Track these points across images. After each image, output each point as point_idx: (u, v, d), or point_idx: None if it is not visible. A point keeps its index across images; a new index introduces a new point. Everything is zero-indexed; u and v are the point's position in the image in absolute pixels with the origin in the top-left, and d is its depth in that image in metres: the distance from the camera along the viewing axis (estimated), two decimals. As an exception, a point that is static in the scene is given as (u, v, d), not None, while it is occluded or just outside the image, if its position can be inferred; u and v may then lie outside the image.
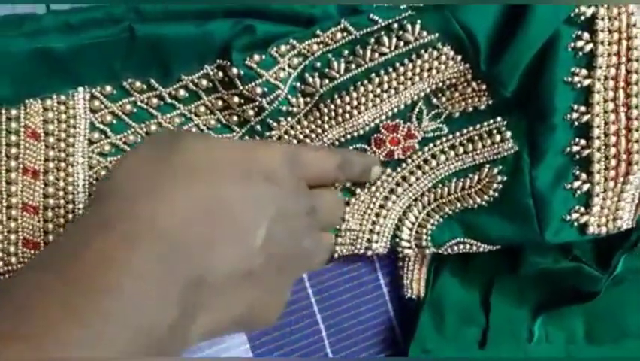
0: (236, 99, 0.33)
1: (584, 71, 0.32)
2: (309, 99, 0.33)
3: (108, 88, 0.32)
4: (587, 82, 0.32)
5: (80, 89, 0.32)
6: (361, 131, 0.34)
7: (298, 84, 0.33)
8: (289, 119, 0.33)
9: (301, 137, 0.34)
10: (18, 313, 0.21)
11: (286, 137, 0.34)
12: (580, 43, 0.32)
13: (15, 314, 0.21)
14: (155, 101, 0.33)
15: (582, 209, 0.34)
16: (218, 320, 0.26)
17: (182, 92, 0.33)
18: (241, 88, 0.32)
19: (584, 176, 0.34)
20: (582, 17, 0.32)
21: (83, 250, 0.23)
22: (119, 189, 0.25)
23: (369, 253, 0.37)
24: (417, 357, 0.36)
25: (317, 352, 0.38)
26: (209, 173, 0.26)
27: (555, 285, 0.38)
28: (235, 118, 0.34)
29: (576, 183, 0.34)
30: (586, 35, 0.32)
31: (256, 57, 0.31)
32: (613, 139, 0.33)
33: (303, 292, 0.38)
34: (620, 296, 0.38)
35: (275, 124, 0.34)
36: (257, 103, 0.32)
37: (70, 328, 0.21)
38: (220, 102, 0.33)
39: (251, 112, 0.33)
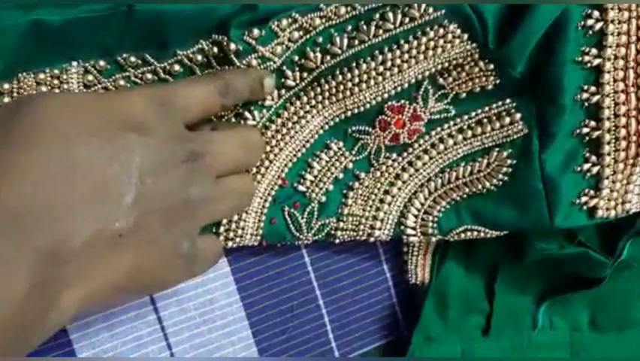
0: None
1: (594, 50, 0.34)
2: (306, 74, 0.35)
3: (102, 62, 0.33)
4: (596, 61, 0.34)
5: (74, 63, 0.33)
6: (362, 109, 0.35)
7: (297, 58, 0.34)
8: (283, 91, 0.35)
9: (301, 112, 0.36)
10: None
11: (285, 112, 0.36)
12: (590, 22, 0.33)
13: None
14: (149, 76, 0.34)
15: (591, 192, 0.36)
16: (97, 287, 0.26)
17: (176, 67, 0.34)
18: (238, 64, 0.33)
19: (593, 158, 0.35)
20: (592, -5, 0.33)
21: None
22: None
23: (372, 239, 0.38)
24: (418, 357, 0.37)
25: (319, 337, 0.40)
26: (55, 134, 0.25)
27: (559, 272, 0.40)
28: None
29: (586, 166, 0.36)
30: (596, 13, 0.33)
31: (255, 32, 0.33)
32: (623, 120, 0.34)
33: (305, 277, 0.40)
34: (626, 284, 0.40)
35: (269, 96, 0.35)
36: None
37: None
38: None
39: None
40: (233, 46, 0.33)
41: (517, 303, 0.40)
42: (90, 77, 0.33)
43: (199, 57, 0.34)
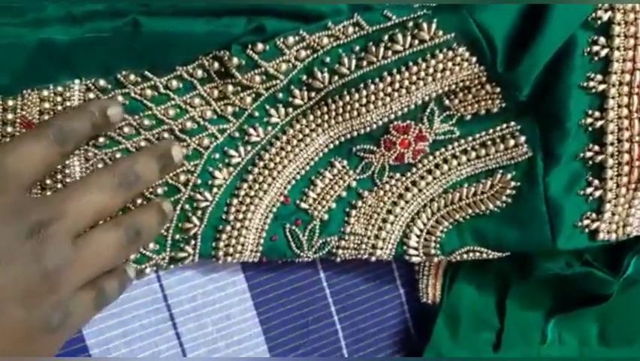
0: (230, 88, 0.35)
1: (599, 76, 0.35)
2: (314, 94, 0.35)
3: (102, 82, 0.34)
4: (601, 87, 0.35)
5: (77, 80, 0.33)
6: (368, 129, 0.36)
7: (304, 77, 0.35)
8: (290, 110, 0.36)
9: (306, 130, 0.37)
10: None
11: (290, 130, 0.36)
12: (596, 48, 0.35)
13: None
14: (149, 92, 0.34)
15: (593, 215, 0.38)
16: None
17: (175, 83, 0.34)
18: (240, 78, 0.34)
19: (596, 182, 0.37)
20: (599, 22, 0.35)
21: None
22: None
23: (373, 259, 0.39)
24: (429, 358, 0.39)
25: (333, 352, 0.42)
26: None
27: (568, 288, 0.42)
28: (230, 109, 0.35)
29: (589, 190, 0.37)
30: (602, 40, 0.35)
31: (259, 46, 0.34)
32: (626, 145, 0.36)
33: (320, 294, 0.42)
34: (634, 298, 0.41)
35: (273, 111, 0.36)
36: (254, 89, 0.35)
37: None
38: (216, 92, 0.35)
39: (248, 99, 0.35)
40: (235, 60, 0.33)
41: (527, 319, 0.42)
42: (91, 95, 0.34)
43: (199, 72, 0.34)
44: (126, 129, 0.35)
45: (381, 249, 0.39)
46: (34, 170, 0.30)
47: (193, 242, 0.36)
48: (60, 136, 0.30)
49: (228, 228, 0.37)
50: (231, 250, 0.37)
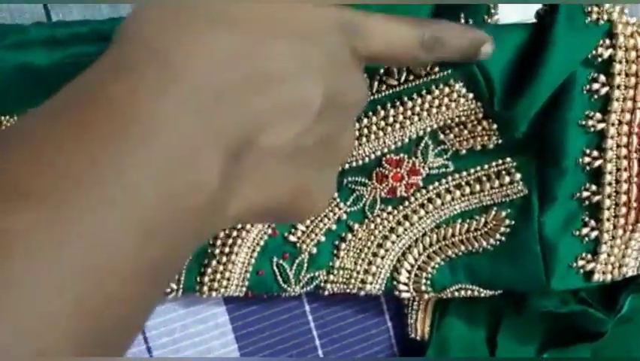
0: None
1: (599, 115, 0.35)
2: None
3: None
4: (600, 126, 0.35)
5: (59, 107, 0.32)
6: (361, 162, 0.35)
7: None
8: None
9: None
10: (22, 166, 0.19)
11: None
12: (595, 86, 0.34)
13: (19, 168, 0.19)
14: None
15: (589, 256, 0.37)
16: (256, 199, 0.24)
17: None
18: None
19: (592, 223, 0.36)
20: (599, 59, 0.34)
21: (99, 96, 0.20)
22: (139, 32, 0.22)
23: (362, 293, 0.38)
24: (428, 358, 0.39)
25: None
26: (248, 24, 0.23)
27: (561, 323, 0.41)
28: None
29: (585, 230, 0.36)
30: (602, 78, 0.34)
31: None
32: (624, 186, 0.35)
33: (305, 327, 0.40)
34: (628, 335, 0.41)
35: None
36: None
37: (90, 183, 0.19)
38: None
39: None
40: None
41: (519, 354, 0.41)
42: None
43: None
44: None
45: (371, 283, 0.38)
46: (385, 53, 0.27)
47: (177, 277, 0.35)
48: (430, 41, 0.28)
49: (214, 262, 0.35)
50: (216, 285, 0.36)
